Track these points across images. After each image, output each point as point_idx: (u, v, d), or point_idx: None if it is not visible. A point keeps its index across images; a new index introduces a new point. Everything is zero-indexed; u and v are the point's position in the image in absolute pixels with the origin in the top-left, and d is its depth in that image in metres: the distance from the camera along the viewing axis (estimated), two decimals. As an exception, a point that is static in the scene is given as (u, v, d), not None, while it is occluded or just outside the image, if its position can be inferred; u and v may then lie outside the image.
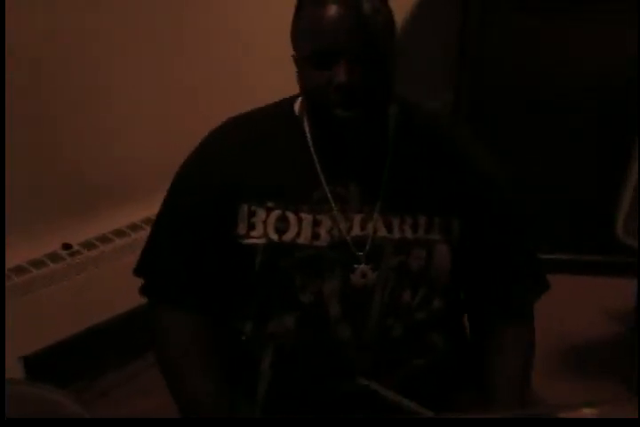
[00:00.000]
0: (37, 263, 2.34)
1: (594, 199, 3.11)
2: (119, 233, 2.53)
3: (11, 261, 2.29)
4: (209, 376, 1.50)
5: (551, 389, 2.50)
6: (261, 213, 1.46)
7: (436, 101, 1.63)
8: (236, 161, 1.49)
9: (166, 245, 1.55)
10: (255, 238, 1.46)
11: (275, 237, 1.45)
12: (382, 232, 1.47)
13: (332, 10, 1.33)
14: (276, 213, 1.46)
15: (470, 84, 3.22)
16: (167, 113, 2.54)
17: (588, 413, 1.25)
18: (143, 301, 1.60)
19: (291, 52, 1.45)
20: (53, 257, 2.38)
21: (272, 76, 1.44)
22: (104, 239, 2.50)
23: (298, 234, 1.45)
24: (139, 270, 1.58)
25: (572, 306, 2.98)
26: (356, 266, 1.45)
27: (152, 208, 1.59)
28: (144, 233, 2.37)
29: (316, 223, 1.46)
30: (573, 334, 2.89)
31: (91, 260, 2.42)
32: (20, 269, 2.30)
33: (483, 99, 3.18)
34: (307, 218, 1.45)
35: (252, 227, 1.46)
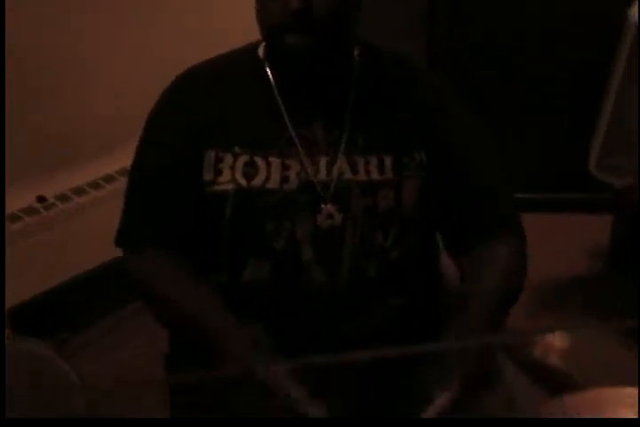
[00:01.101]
0: (13, 218, 2.33)
1: (567, 138, 3.14)
2: (94, 185, 2.51)
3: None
4: (211, 293, 1.44)
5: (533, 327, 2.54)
6: (228, 159, 1.44)
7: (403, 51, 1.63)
8: (201, 107, 1.47)
9: (142, 194, 1.52)
10: (223, 184, 1.44)
11: (243, 182, 1.44)
12: (348, 174, 1.46)
13: None
14: (244, 158, 1.44)
15: (440, 38, 3.28)
16: (142, 68, 2.52)
17: (557, 341, 1.23)
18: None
19: None
20: (29, 211, 2.36)
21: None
22: (79, 191, 2.48)
23: (267, 178, 1.44)
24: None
25: (551, 244, 3.00)
26: (322, 206, 1.45)
27: (127, 159, 1.57)
28: (119, 184, 2.36)
29: (284, 167, 1.44)
30: (552, 271, 2.92)
31: (66, 212, 2.41)
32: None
33: (455, 53, 3.24)
34: (275, 162, 1.44)
35: (218, 173, 1.44)
